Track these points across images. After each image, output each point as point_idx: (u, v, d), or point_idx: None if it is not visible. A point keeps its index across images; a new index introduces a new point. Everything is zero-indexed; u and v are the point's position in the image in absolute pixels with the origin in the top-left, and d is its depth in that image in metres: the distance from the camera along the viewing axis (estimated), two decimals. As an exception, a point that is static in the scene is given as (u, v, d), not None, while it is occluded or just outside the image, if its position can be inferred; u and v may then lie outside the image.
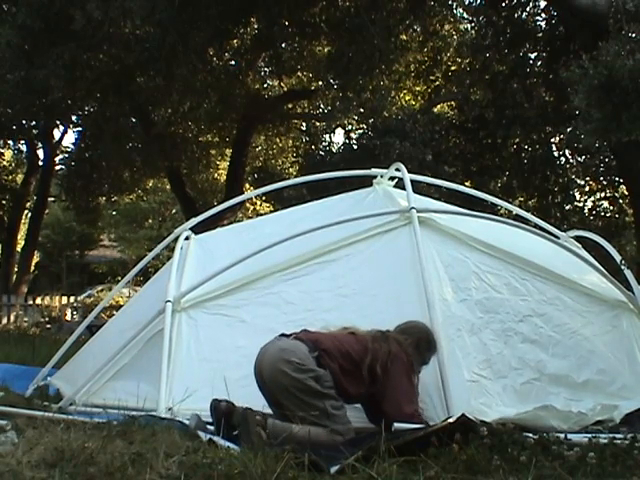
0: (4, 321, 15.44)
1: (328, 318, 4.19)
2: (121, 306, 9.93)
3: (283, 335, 3.92)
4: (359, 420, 3.99)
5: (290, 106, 15.91)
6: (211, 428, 3.69)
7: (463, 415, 3.49)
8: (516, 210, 7.91)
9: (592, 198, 14.53)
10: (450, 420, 3.50)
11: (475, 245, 5.11)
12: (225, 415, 3.60)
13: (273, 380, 3.73)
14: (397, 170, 5.97)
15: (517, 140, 13.60)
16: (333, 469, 3.05)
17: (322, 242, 5.00)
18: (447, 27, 13.43)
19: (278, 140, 17.17)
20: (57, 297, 17.50)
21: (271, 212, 15.43)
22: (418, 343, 4.10)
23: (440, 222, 5.16)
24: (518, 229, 5.45)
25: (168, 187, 19.10)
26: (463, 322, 4.57)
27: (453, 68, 13.99)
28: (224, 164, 17.46)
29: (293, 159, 17.89)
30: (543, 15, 11.73)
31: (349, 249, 5.04)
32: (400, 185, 5.88)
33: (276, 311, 4.72)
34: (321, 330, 4.06)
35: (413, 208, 5.05)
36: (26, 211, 18.89)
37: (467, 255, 5.01)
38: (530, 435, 3.42)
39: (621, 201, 13.77)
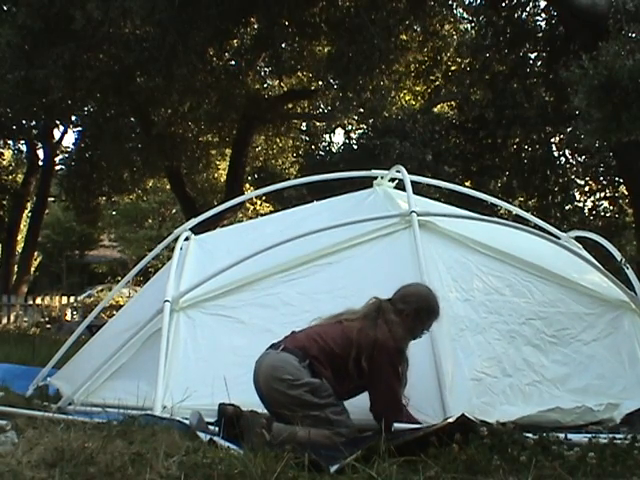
0: (4, 321, 15.44)
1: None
2: (121, 306, 9.93)
3: (272, 346, 3.87)
4: (361, 419, 3.97)
5: (290, 106, 15.91)
6: (211, 427, 3.69)
7: (463, 415, 3.49)
8: (516, 210, 7.92)
9: (592, 198, 14.55)
10: (450, 420, 3.50)
11: (476, 247, 5.11)
12: (232, 419, 3.59)
13: (271, 399, 3.73)
14: (397, 172, 5.97)
15: (517, 140, 13.61)
16: (333, 468, 3.06)
17: (322, 244, 4.99)
18: (447, 27, 13.41)
19: (278, 140, 17.17)
20: (57, 297, 17.51)
21: (271, 212, 15.44)
22: (418, 313, 3.97)
23: (441, 225, 5.15)
24: (519, 230, 5.44)
25: (168, 187, 19.10)
26: (467, 322, 4.56)
27: (453, 68, 13.99)
28: (224, 164, 17.45)
29: (293, 159, 17.90)
30: (543, 15, 11.76)
31: (349, 251, 5.03)
32: (400, 186, 5.88)
33: (274, 312, 4.72)
34: (311, 324, 4.00)
35: (413, 212, 5.04)
36: (26, 211, 18.88)
37: (469, 257, 5.00)
38: (530, 435, 3.42)
39: (621, 201, 13.78)
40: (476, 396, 4.24)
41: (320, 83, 14.36)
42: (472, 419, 3.49)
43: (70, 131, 17.30)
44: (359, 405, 3.90)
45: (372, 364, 3.77)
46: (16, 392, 5.09)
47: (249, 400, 3.76)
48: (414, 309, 3.97)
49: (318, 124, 17.41)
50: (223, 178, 17.51)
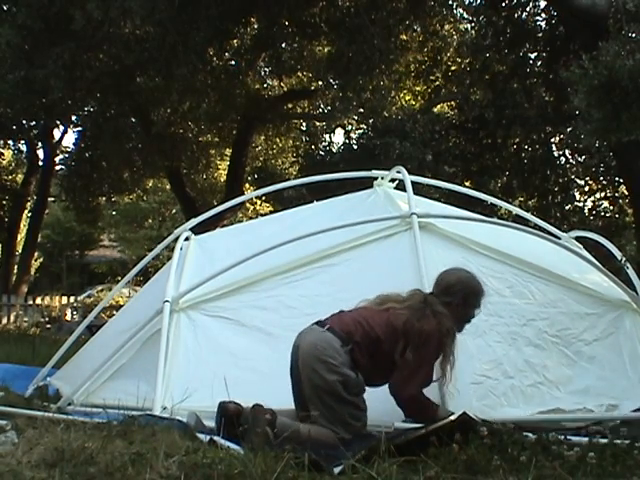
0: (4, 321, 15.44)
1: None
2: (121, 306, 9.93)
3: (318, 322, 3.81)
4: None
5: (290, 106, 15.92)
6: (209, 427, 3.68)
7: (464, 413, 3.49)
8: (516, 210, 7.91)
9: (592, 198, 14.57)
10: (451, 418, 3.49)
11: (477, 249, 5.09)
12: (233, 417, 3.56)
13: (305, 376, 3.68)
14: (398, 172, 5.97)
15: (517, 140, 13.63)
16: (336, 470, 3.04)
17: (322, 245, 4.98)
18: (447, 27, 13.43)
19: (278, 140, 17.17)
20: (57, 297, 17.51)
21: (271, 212, 15.45)
22: (466, 300, 3.96)
23: (441, 226, 5.15)
24: (519, 231, 5.44)
25: (168, 187, 19.12)
26: (467, 324, 4.55)
27: (453, 68, 14.00)
28: (224, 164, 17.47)
29: (293, 159, 17.90)
30: (543, 15, 11.77)
31: (349, 253, 5.02)
32: (401, 186, 5.88)
33: (275, 315, 4.71)
34: (358, 305, 3.96)
35: (414, 214, 5.04)
36: (26, 211, 18.88)
37: (469, 259, 4.98)
38: (530, 435, 3.42)
39: (621, 201, 13.79)
40: (477, 399, 4.23)
41: (320, 83, 14.35)
42: (473, 417, 3.49)
43: (70, 131, 17.33)
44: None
45: (415, 353, 3.73)
46: (16, 392, 5.08)
47: (249, 402, 3.75)
48: (462, 297, 3.95)
49: (318, 124, 17.41)
50: (223, 178, 17.52)
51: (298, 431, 3.50)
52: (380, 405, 3.88)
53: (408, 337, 3.75)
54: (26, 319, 15.82)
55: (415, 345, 3.73)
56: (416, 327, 3.77)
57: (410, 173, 5.91)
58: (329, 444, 3.49)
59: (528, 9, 11.73)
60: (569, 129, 12.11)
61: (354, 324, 3.80)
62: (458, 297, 3.95)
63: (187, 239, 5.86)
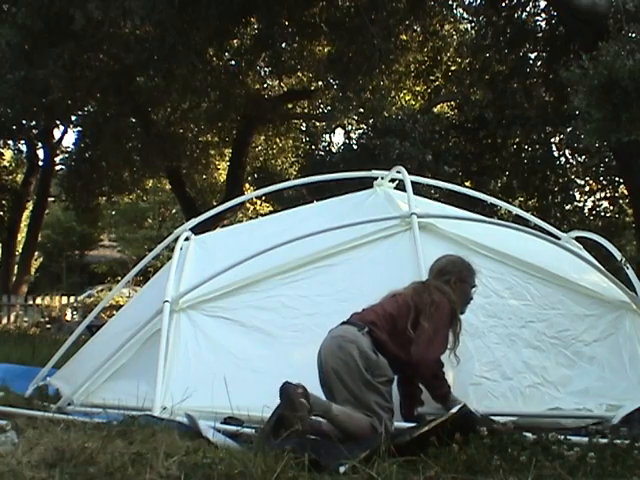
0: (4, 321, 15.44)
1: (328, 323, 4.12)
2: (121, 306, 9.93)
3: (342, 323, 3.92)
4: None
5: (290, 106, 15.92)
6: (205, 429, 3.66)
7: (465, 406, 3.49)
8: (516, 210, 7.91)
9: (592, 198, 14.57)
10: (453, 410, 3.47)
11: (477, 249, 5.08)
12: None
13: (331, 369, 3.69)
14: (398, 172, 5.97)
15: (517, 140, 13.62)
16: (342, 469, 3.03)
17: (322, 246, 4.97)
18: (447, 27, 13.45)
19: (278, 140, 17.17)
20: (57, 297, 17.51)
21: (271, 212, 15.45)
22: (461, 275, 4.16)
23: (441, 227, 5.15)
24: (519, 231, 5.43)
25: (168, 187, 19.11)
26: (466, 325, 4.54)
27: (453, 68, 14.01)
28: (224, 164, 17.46)
29: (293, 159, 17.89)
30: (543, 15, 11.76)
31: (349, 254, 5.02)
32: (401, 186, 5.88)
33: (275, 315, 4.71)
34: (371, 304, 4.06)
35: (414, 214, 5.04)
36: (26, 211, 18.88)
37: (469, 259, 4.99)
38: (530, 435, 3.42)
39: (621, 201, 13.79)
40: (476, 401, 4.23)
41: (320, 83, 14.36)
42: (473, 412, 3.50)
43: (70, 131, 17.32)
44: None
45: (429, 320, 3.87)
46: (16, 392, 5.08)
47: (249, 402, 3.75)
48: (456, 274, 4.16)
49: (318, 124, 17.41)
50: (223, 178, 17.52)
51: (331, 412, 3.51)
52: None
53: (418, 308, 3.91)
54: (26, 319, 15.81)
55: (428, 313, 3.89)
56: (424, 298, 3.96)
57: (410, 173, 5.92)
58: (355, 432, 3.48)
59: (528, 9, 11.73)
60: (569, 129, 12.08)
61: (367, 312, 3.95)
62: (453, 275, 4.15)
63: (187, 239, 5.86)
